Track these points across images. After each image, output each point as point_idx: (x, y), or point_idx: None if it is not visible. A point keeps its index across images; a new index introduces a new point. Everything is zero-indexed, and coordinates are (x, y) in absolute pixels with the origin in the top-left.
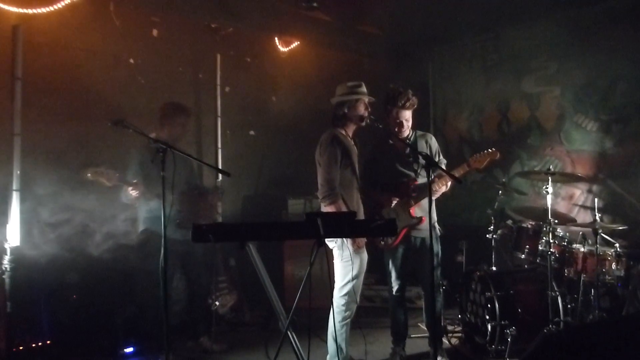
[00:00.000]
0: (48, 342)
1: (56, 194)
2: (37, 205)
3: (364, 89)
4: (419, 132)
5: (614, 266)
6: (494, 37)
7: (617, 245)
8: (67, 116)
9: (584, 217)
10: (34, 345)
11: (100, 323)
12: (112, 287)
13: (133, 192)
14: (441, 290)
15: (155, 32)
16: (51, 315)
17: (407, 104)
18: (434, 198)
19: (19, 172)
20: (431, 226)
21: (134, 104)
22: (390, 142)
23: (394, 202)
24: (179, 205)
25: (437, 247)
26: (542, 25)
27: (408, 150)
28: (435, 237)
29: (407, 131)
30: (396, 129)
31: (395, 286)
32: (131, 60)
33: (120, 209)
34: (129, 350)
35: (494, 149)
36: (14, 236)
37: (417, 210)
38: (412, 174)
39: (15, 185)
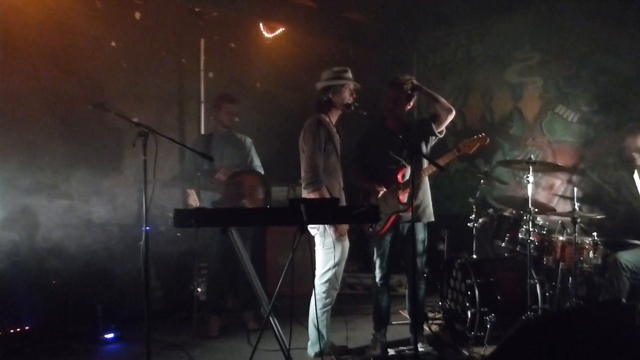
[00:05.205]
0: (27, 327)
1: (36, 180)
2: (17, 190)
3: (349, 74)
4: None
5: (591, 255)
6: (478, 27)
7: (594, 234)
8: (48, 98)
9: (563, 206)
10: (12, 331)
11: (80, 308)
12: (93, 272)
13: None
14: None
15: (137, 15)
16: (30, 301)
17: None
18: (422, 177)
19: None
20: (414, 214)
21: (116, 87)
22: (384, 127)
23: (381, 193)
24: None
25: (424, 235)
26: (526, 16)
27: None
28: (423, 225)
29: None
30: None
31: (379, 273)
32: (113, 44)
33: (102, 195)
34: (110, 336)
35: (483, 134)
36: None
37: (406, 197)
38: (402, 161)
39: None
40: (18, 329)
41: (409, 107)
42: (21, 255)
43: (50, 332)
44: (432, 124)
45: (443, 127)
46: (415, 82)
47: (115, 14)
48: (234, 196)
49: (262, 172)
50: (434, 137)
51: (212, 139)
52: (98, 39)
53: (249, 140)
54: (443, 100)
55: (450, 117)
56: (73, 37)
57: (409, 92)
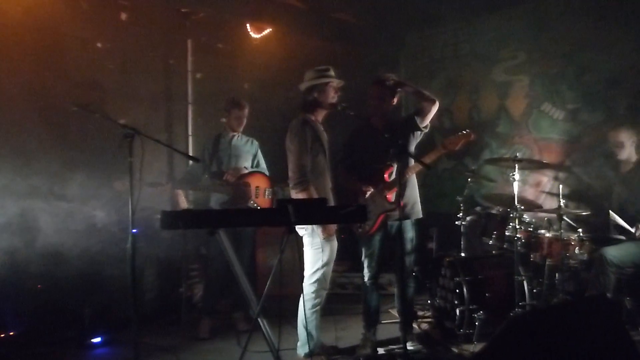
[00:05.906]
0: (11, 333)
1: (21, 181)
2: (1, 193)
3: (332, 72)
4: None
5: (577, 250)
6: (465, 26)
7: (580, 230)
8: (33, 100)
9: (551, 203)
10: None
11: (67, 313)
12: (81, 275)
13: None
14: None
15: (124, 16)
16: (15, 306)
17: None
18: (409, 176)
19: None
20: (401, 214)
21: (103, 88)
22: (370, 126)
23: (369, 193)
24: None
25: (413, 233)
26: (512, 15)
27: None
28: (412, 223)
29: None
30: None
31: (368, 273)
32: (99, 45)
33: (91, 197)
34: (97, 340)
35: (467, 131)
36: None
37: (393, 196)
38: (389, 160)
39: None
40: (2, 335)
41: (393, 104)
42: (4, 259)
43: (36, 337)
44: (416, 117)
45: (427, 121)
46: (396, 78)
47: (101, 15)
48: (242, 197)
49: (268, 174)
50: (419, 133)
51: (220, 141)
52: (84, 40)
53: (255, 143)
54: (426, 92)
55: (434, 109)
56: (59, 38)
57: (392, 87)
